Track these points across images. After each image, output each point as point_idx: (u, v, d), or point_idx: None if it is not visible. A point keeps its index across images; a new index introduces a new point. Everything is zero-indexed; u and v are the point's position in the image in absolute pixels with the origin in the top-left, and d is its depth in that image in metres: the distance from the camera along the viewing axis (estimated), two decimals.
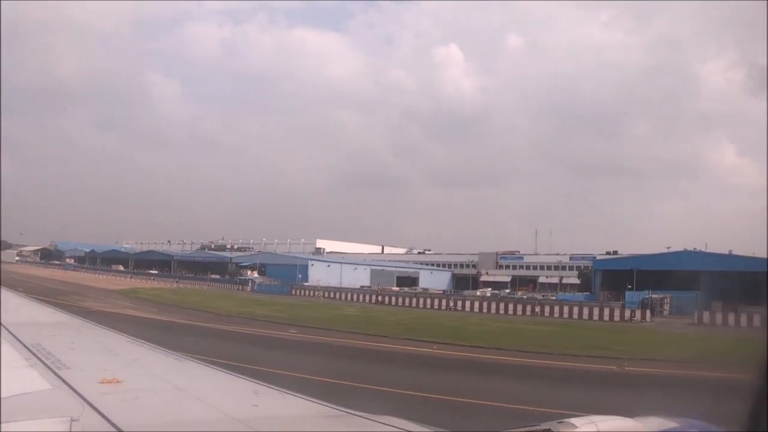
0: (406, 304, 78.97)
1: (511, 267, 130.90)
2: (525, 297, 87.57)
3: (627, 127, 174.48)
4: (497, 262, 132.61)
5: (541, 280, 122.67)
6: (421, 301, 79.56)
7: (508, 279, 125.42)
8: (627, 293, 78.66)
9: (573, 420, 3.91)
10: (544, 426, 3.89)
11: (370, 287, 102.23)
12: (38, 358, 5.93)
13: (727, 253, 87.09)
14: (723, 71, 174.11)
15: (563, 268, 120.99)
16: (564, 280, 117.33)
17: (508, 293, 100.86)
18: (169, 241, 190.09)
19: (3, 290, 14.62)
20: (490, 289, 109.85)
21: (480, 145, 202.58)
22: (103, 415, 4.01)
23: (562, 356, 31.68)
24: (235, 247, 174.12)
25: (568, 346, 36.14)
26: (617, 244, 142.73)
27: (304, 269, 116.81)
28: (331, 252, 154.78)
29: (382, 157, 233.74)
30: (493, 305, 74.69)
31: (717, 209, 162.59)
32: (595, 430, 3.84)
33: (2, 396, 4.25)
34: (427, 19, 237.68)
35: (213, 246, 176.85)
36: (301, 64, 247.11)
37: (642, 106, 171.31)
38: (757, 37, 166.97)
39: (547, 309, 71.76)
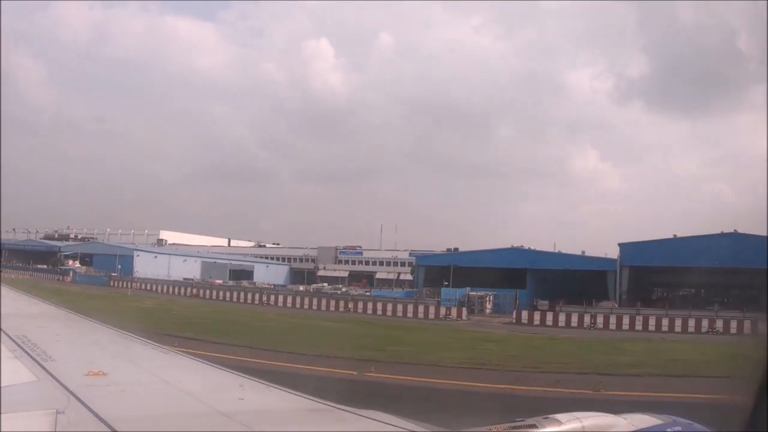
0: (223, 297, 77.88)
1: (350, 262, 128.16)
2: (339, 292, 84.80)
3: (494, 130, 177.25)
4: (336, 257, 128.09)
5: (380, 275, 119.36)
6: (240, 295, 77.93)
7: (345, 274, 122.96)
8: (443, 290, 76.47)
9: (558, 416, 4.12)
10: (530, 421, 4.10)
11: (192, 280, 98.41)
12: (23, 349, 5.90)
13: (555, 251, 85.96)
14: (590, 80, 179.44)
15: (401, 264, 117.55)
16: (402, 276, 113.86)
17: (341, 288, 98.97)
18: (14, 229, 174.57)
19: None
20: (326, 284, 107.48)
21: (347, 142, 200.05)
22: (88, 408, 4.01)
23: (303, 356, 28.54)
24: (79, 236, 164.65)
25: (330, 345, 33.95)
26: (474, 244, 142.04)
27: (131, 260, 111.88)
28: (173, 244, 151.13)
29: (248, 149, 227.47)
30: (307, 300, 73.44)
31: (579, 212, 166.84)
32: (580, 426, 4.08)
33: None
34: (299, 13, 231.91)
35: (57, 235, 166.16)
36: (172, 52, 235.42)
37: (509, 110, 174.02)
38: (624, 49, 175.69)
39: (361, 306, 70.25)
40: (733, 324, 62.94)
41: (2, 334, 6.63)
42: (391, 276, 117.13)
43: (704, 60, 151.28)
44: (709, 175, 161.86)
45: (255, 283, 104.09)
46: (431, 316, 66.64)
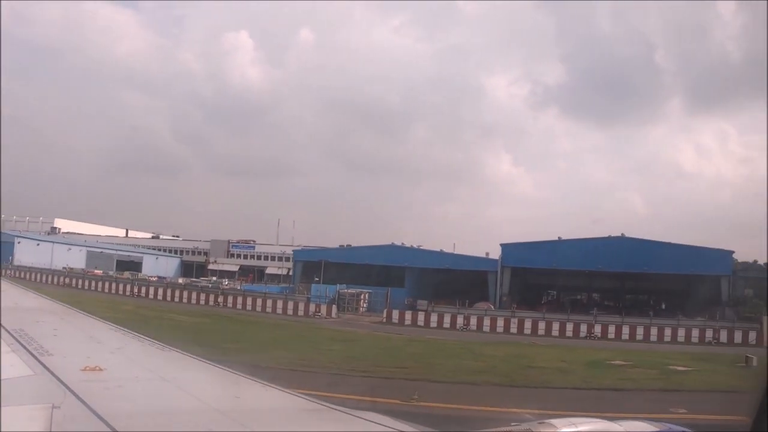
0: (94, 287, 77.00)
1: (242, 256, 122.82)
2: (210, 286, 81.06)
3: (410, 130, 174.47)
4: (229, 251, 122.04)
5: (270, 270, 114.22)
6: (113, 285, 76.92)
7: (236, 268, 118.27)
8: (313, 286, 73.02)
9: (553, 421, 4.23)
10: (524, 426, 4.23)
11: (68, 269, 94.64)
12: (21, 343, 5.86)
13: (438, 250, 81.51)
14: (507, 85, 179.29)
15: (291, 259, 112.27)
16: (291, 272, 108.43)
17: (221, 282, 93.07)
18: None
19: None
20: (215, 277, 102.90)
21: (263, 136, 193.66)
22: (84, 403, 4.00)
23: None
24: None
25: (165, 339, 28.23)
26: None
27: (11, 246, 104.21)
28: (67, 233, 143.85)
29: (161, 140, 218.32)
30: (178, 293, 72.14)
31: (489, 215, 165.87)
32: (575, 430, 4.14)
33: None
34: (220, 4, 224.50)
35: None
36: (90, 38, 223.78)
37: (426, 111, 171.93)
38: (542, 56, 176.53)
39: (234, 300, 68.49)
40: (611, 329, 60.03)
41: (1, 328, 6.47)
42: (282, 271, 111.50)
43: (620, 71, 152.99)
44: (621, 184, 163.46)
45: (137, 274, 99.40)
46: (300, 312, 63.91)
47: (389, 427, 4.18)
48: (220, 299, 68.51)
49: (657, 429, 4.41)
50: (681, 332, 59.41)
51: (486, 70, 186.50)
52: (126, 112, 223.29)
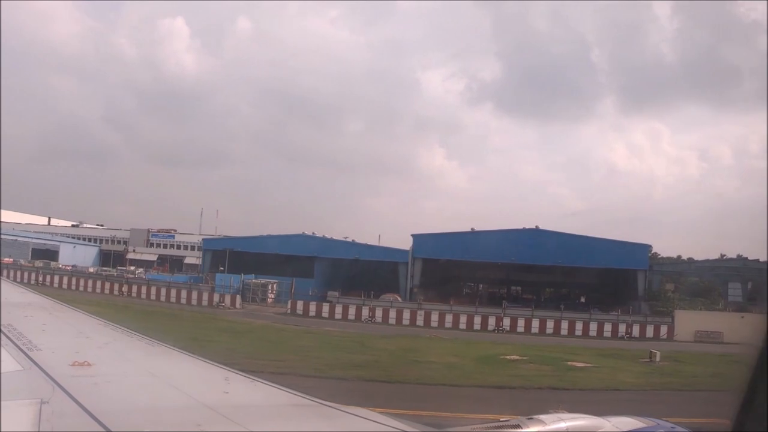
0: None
1: (161, 245, 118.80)
2: (115, 275, 78.41)
3: (345, 123, 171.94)
4: (148, 240, 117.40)
5: (189, 260, 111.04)
6: (22, 274, 72.60)
7: (154, 257, 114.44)
8: (218, 276, 70.37)
9: (542, 417, 4.43)
10: (514, 422, 4.47)
11: None
12: (9, 338, 5.82)
13: (350, 240, 78.74)
14: (443, 80, 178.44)
15: None
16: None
17: (140, 272, 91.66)
18: None
19: None
20: (134, 267, 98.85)
21: (198, 125, 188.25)
22: (73, 398, 3.98)
23: None
24: None
25: None
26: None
27: None
28: None
29: (93, 127, 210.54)
30: (83, 282, 71.11)
31: (422, 208, 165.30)
32: (564, 427, 4.34)
33: None
34: None
35: None
36: (20, 19, 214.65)
37: (361, 104, 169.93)
38: (478, 52, 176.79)
39: (141, 290, 67.34)
40: (521, 323, 57.88)
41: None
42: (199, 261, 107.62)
43: (555, 69, 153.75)
44: (554, 180, 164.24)
45: (50, 263, 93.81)
46: (204, 303, 62.50)
47: (378, 422, 4.22)
48: (125, 288, 67.07)
49: (645, 425, 4.69)
50: (593, 327, 57.48)
51: (422, 65, 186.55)
52: (56, 97, 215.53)
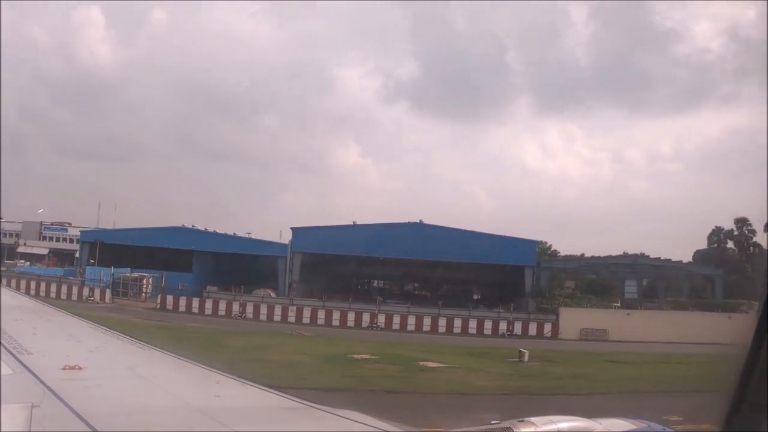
0: None
1: (54, 239, 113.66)
2: None
3: (260, 118, 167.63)
4: (41, 233, 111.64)
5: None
6: None
7: (45, 251, 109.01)
8: (88, 269, 66.87)
9: (533, 419, 4.80)
10: (505, 424, 4.75)
11: None
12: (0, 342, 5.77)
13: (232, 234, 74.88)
14: (359, 77, 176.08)
15: None
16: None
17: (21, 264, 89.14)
18: None
19: None
20: (23, 261, 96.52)
21: (112, 118, 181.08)
22: (64, 402, 4.01)
23: None
24: None
25: None
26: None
27: None
28: None
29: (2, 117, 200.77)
30: None
31: (335, 205, 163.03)
32: (555, 429, 4.65)
33: None
34: None
35: None
36: None
37: (277, 99, 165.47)
38: (395, 50, 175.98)
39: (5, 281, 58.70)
40: (396, 320, 55.55)
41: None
42: None
43: (472, 69, 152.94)
44: (468, 179, 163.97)
45: None
46: (74, 297, 59.98)
47: (369, 425, 4.21)
48: None
49: (636, 428, 4.86)
50: (473, 324, 55.35)
51: (339, 62, 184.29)
52: None
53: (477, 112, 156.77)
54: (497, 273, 68.68)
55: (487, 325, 55.38)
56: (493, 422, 5.19)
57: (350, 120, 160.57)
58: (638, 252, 75.08)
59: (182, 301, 57.15)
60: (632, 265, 70.45)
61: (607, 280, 78.04)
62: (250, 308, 55.66)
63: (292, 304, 55.41)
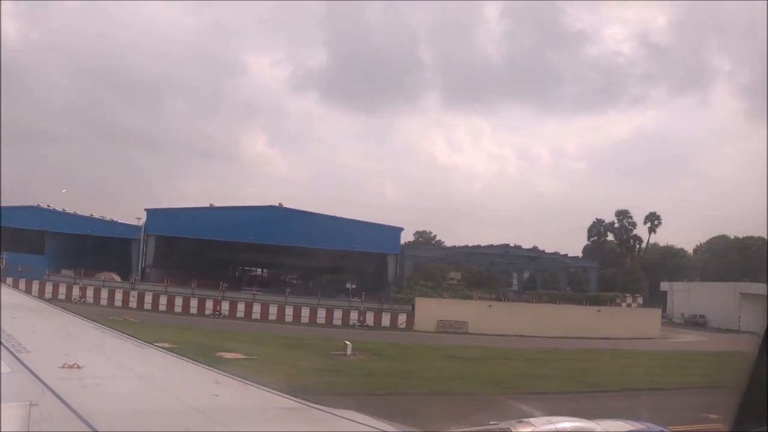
0: None
1: None
2: None
3: (169, 104, 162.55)
4: None
5: None
6: None
7: None
8: None
9: (532, 420, 4.76)
10: (503, 425, 4.67)
11: None
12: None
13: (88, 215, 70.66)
14: (270, 66, 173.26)
15: None
16: None
17: None
18: None
19: None
20: None
21: (16, 100, 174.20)
22: (62, 401, 3.95)
23: None
24: None
25: None
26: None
27: None
28: None
29: None
30: None
31: (242, 194, 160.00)
32: (554, 429, 4.61)
33: None
34: None
35: None
36: None
37: (186, 85, 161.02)
38: (307, 40, 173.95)
39: None
40: (241, 307, 53.01)
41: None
42: None
43: (383, 62, 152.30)
44: (376, 171, 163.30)
45: None
46: None
47: (369, 425, 4.16)
48: None
49: (635, 428, 4.85)
50: (321, 313, 53.05)
51: (249, 49, 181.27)
52: None
53: (386, 104, 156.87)
54: (362, 260, 66.67)
55: (338, 315, 53.10)
56: (491, 423, 5.22)
57: (258, 108, 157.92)
58: (532, 245, 74.84)
59: (22, 285, 53.00)
60: (504, 255, 69.08)
61: (492, 272, 77.03)
62: (89, 292, 52.70)
63: (134, 289, 52.48)
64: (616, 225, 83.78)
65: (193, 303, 51.90)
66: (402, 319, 53.95)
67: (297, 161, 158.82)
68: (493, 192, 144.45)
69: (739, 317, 74.09)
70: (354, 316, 53.40)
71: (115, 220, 67.40)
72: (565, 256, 73.84)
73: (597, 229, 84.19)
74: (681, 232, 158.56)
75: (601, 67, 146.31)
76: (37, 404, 3.79)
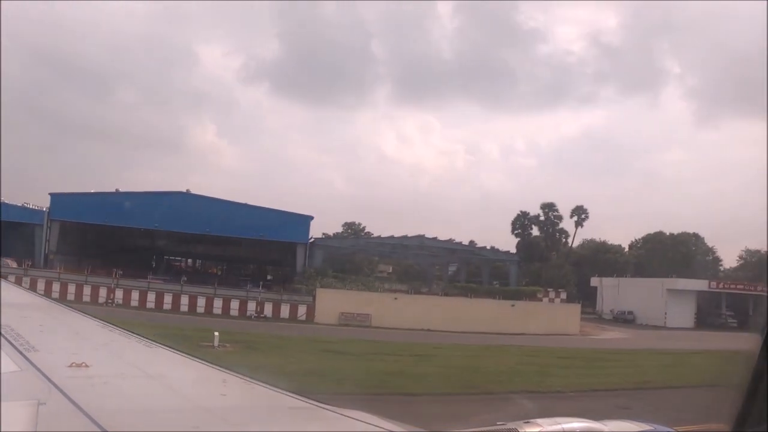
0: None
1: None
2: None
3: (117, 92, 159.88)
4: None
5: None
6: None
7: None
8: None
9: (539, 420, 4.58)
10: (510, 425, 4.56)
11: None
12: (6, 339, 5.79)
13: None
14: (221, 56, 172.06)
15: None
16: None
17: None
18: None
19: None
20: None
21: None
22: (70, 399, 3.95)
23: None
24: None
25: None
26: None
27: None
28: None
29: None
30: None
31: (190, 184, 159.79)
32: (560, 430, 4.47)
33: None
34: None
35: None
36: None
37: (136, 74, 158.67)
38: (259, 31, 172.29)
39: None
40: (135, 295, 52.29)
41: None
42: None
43: (335, 54, 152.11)
44: (325, 163, 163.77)
45: None
46: None
47: (376, 426, 4.15)
48: None
49: (642, 429, 4.58)
50: (218, 303, 52.21)
51: (201, 38, 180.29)
52: None
53: (338, 97, 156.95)
54: (271, 250, 65.73)
55: (234, 305, 52.25)
56: (498, 423, 4.70)
57: (208, 98, 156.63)
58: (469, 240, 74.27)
59: None
60: (419, 246, 68.18)
61: (422, 265, 76.35)
62: None
63: (26, 275, 51.40)
64: (542, 218, 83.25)
65: (87, 291, 50.94)
66: (302, 310, 53.15)
67: (246, 153, 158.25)
68: (441, 187, 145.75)
69: (665, 313, 73.93)
70: (252, 307, 52.54)
71: (28, 204, 65.90)
72: (483, 248, 73.12)
73: (521, 221, 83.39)
74: (623, 230, 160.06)
75: (552, 66, 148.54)
76: (45, 403, 3.77)
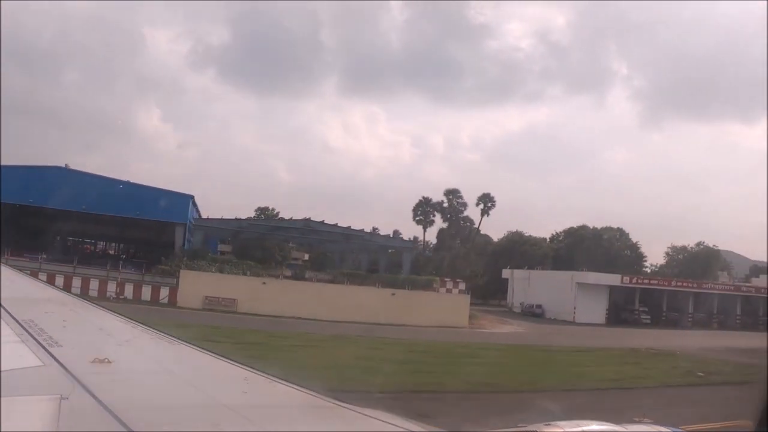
0: None
1: None
2: None
3: (60, 73, 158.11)
4: None
5: None
6: None
7: None
8: None
9: (560, 423, 4.29)
10: (531, 428, 4.32)
11: None
12: (30, 334, 5.85)
13: None
14: (168, 40, 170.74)
15: None
16: None
17: None
18: None
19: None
20: None
21: None
22: (92, 395, 3.97)
23: None
24: None
25: None
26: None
27: None
28: None
29: None
30: None
31: (133, 171, 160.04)
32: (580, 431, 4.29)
33: None
34: None
35: None
36: None
37: (81, 55, 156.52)
38: (208, 16, 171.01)
39: None
40: None
41: (7, 317, 6.45)
42: None
43: (283, 42, 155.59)
44: (269, 152, 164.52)
45: None
46: None
47: (397, 426, 4.11)
48: None
49: None
50: (77, 283, 51.09)
51: (149, 21, 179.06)
52: None
53: (284, 85, 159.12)
54: (152, 229, 64.88)
55: (94, 285, 51.44)
56: (519, 425, 4.38)
57: (154, 82, 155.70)
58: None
59: None
60: (302, 229, 67.15)
61: (332, 252, 75.37)
62: None
63: None
64: (445, 204, 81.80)
65: None
66: (164, 293, 52.37)
67: (189, 138, 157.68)
68: (385, 178, 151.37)
69: (575, 308, 72.62)
70: (112, 287, 51.79)
71: None
72: (377, 233, 71.99)
73: (422, 208, 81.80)
74: (560, 226, 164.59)
75: (500, 62, 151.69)
76: (68, 398, 3.77)
